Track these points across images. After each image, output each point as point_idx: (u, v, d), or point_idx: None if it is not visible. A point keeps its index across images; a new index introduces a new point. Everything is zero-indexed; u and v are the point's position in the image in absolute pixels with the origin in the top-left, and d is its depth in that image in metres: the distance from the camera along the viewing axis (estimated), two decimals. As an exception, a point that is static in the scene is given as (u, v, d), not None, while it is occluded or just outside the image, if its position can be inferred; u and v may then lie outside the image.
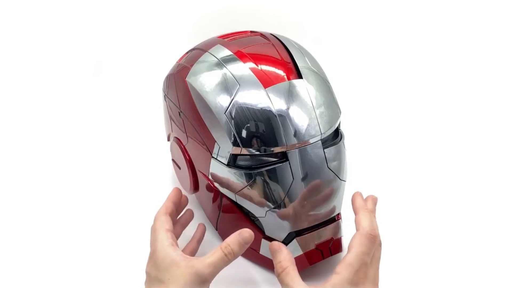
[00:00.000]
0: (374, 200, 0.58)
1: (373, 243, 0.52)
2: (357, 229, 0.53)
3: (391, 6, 1.14)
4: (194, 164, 0.67)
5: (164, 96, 0.71)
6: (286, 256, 0.52)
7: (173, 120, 0.69)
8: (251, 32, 0.69)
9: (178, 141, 0.69)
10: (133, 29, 1.10)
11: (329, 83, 0.64)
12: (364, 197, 0.59)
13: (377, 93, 1.06)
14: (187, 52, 0.69)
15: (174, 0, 1.09)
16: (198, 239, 0.65)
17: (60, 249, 0.68)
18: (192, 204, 0.75)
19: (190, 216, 0.67)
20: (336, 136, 0.63)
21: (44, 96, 1.02)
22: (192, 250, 0.64)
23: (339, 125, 0.64)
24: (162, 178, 0.82)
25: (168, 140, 0.75)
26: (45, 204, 0.76)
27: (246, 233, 0.52)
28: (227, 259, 0.52)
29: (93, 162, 0.86)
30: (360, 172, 0.79)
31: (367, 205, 0.56)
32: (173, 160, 0.73)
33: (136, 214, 0.74)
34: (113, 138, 0.93)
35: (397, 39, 1.14)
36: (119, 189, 0.79)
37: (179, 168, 0.71)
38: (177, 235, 0.63)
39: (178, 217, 0.65)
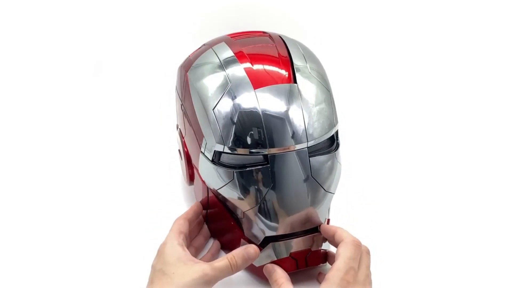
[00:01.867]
0: None
1: (358, 248, 0.55)
2: (339, 242, 0.56)
3: (400, 10, 1.12)
4: (190, 156, 0.68)
5: (175, 87, 0.73)
6: (281, 274, 0.57)
7: (178, 112, 0.71)
8: (263, 32, 0.69)
9: (180, 132, 0.71)
10: (133, 28, 1.11)
11: (330, 91, 0.62)
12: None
13: (381, 100, 1.03)
14: (199, 47, 0.71)
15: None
16: (213, 253, 0.66)
17: (62, 246, 0.69)
18: (189, 194, 0.77)
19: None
20: (330, 145, 0.61)
21: (45, 96, 1.03)
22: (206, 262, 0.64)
23: (336, 134, 0.62)
24: (164, 176, 0.82)
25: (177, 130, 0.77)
26: (46, 204, 0.76)
27: (251, 249, 0.56)
28: (231, 269, 0.55)
29: (95, 161, 0.86)
30: (360, 179, 0.79)
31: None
32: (178, 150, 0.75)
33: (140, 212, 0.75)
34: (115, 137, 0.93)
35: (399, 45, 1.12)
36: (121, 189, 0.79)
37: (181, 158, 0.73)
38: (200, 245, 0.66)
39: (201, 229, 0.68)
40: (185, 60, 0.69)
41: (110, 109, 1.01)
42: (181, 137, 0.70)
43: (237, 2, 1.05)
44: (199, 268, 0.53)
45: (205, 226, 0.69)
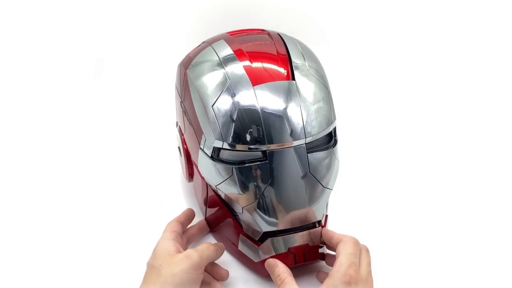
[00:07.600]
0: None
1: (357, 245, 0.56)
2: (338, 242, 0.57)
3: (395, 8, 1.13)
4: (190, 153, 0.69)
5: (175, 85, 0.74)
6: (283, 269, 0.57)
7: (178, 109, 0.72)
8: (262, 30, 0.70)
9: (180, 129, 0.71)
10: (133, 27, 1.11)
11: (328, 89, 0.62)
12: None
13: (379, 98, 1.03)
14: (199, 45, 0.71)
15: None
16: (201, 227, 0.70)
17: (61, 245, 0.69)
18: (189, 192, 0.78)
19: (204, 228, 0.70)
20: (328, 142, 0.62)
21: (46, 96, 1.02)
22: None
23: (333, 131, 0.63)
24: (166, 175, 0.82)
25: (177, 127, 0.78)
26: (47, 204, 0.77)
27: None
28: (213, 250, 0.59)
29: (95, 159, 0.86)
30: (358, 177, 0.79)
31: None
32: (178, 147, 0.76)
33: (141, 211, 0.75)
34: (115, 135, 0.93)
35: (397, 44, 1.13)
36: (121, 186, 0.80)
37: (181, 155, 0.74)
38: (191, 236, 0.67)
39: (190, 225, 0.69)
40: (185, 57, 0.70)
41: (110, 107, 1.01)
42: (181, 134, 0.70)
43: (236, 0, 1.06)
44: (183, 255, 0.56)
45: (202, 220, 0.70)
